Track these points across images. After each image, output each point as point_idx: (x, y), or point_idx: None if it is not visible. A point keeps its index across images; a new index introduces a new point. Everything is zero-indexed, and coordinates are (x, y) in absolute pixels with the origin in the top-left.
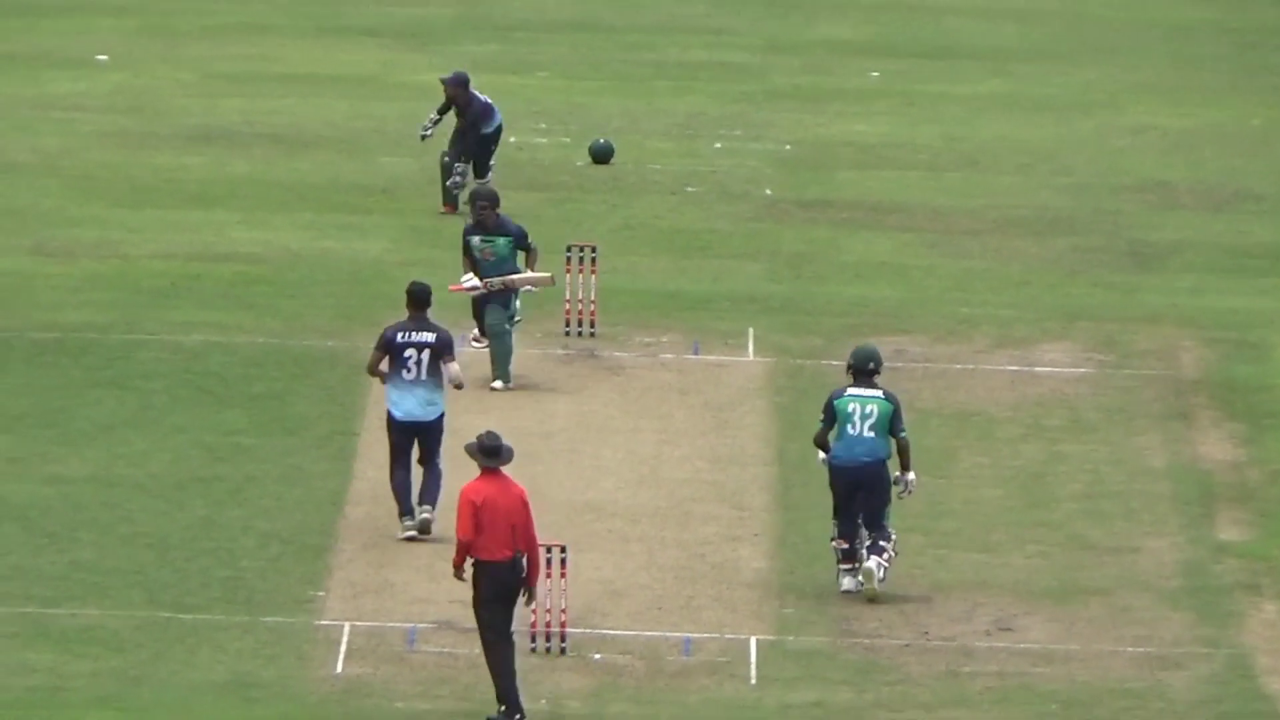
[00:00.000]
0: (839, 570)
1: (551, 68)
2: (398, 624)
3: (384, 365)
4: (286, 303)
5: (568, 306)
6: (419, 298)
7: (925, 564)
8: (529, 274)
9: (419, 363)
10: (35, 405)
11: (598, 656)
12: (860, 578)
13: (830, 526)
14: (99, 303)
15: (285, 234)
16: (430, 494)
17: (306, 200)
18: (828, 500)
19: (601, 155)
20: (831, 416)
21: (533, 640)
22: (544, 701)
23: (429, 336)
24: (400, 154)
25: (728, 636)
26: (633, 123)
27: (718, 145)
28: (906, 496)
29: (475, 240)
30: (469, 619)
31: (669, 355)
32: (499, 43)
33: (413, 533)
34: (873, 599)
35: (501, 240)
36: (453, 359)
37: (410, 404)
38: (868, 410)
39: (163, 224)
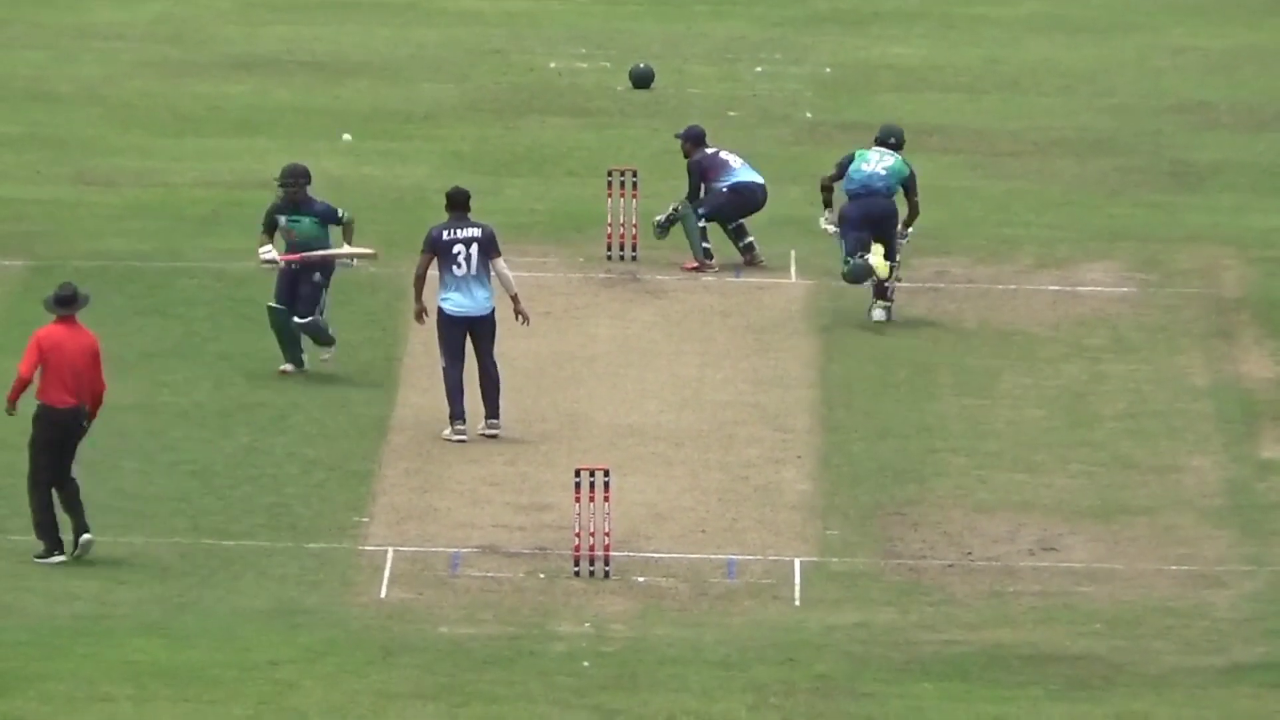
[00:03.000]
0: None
1: None
2: (441, 549)
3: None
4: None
5: (609, 230)
6: (458, 199)
7: (968, 485)
8: (347, 248)
9: (468, 257)
10: None
11: (641, 580)
12: (873, 319)
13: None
14: (141, 231)
15: (327, 161)
16: (493, 405)
17: (348, 127)
18: (870, 423)
19: (642, 80)
20: (846, 164)
21: (576, 564)
22: (588, 625)
23: (475, 231)
24: (441, 80)
25: (771, 558)
26: (673, 47)
27: (758, 69)
28: (900, 244)
29: (282, 220)
30: (513, 543)
31: (711, 278)
32: None
33: (461, 438)
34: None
35: (307, 220)
36: (499, 254)
37: (462, 299)
38: (884, 157)
39: (204, 152)
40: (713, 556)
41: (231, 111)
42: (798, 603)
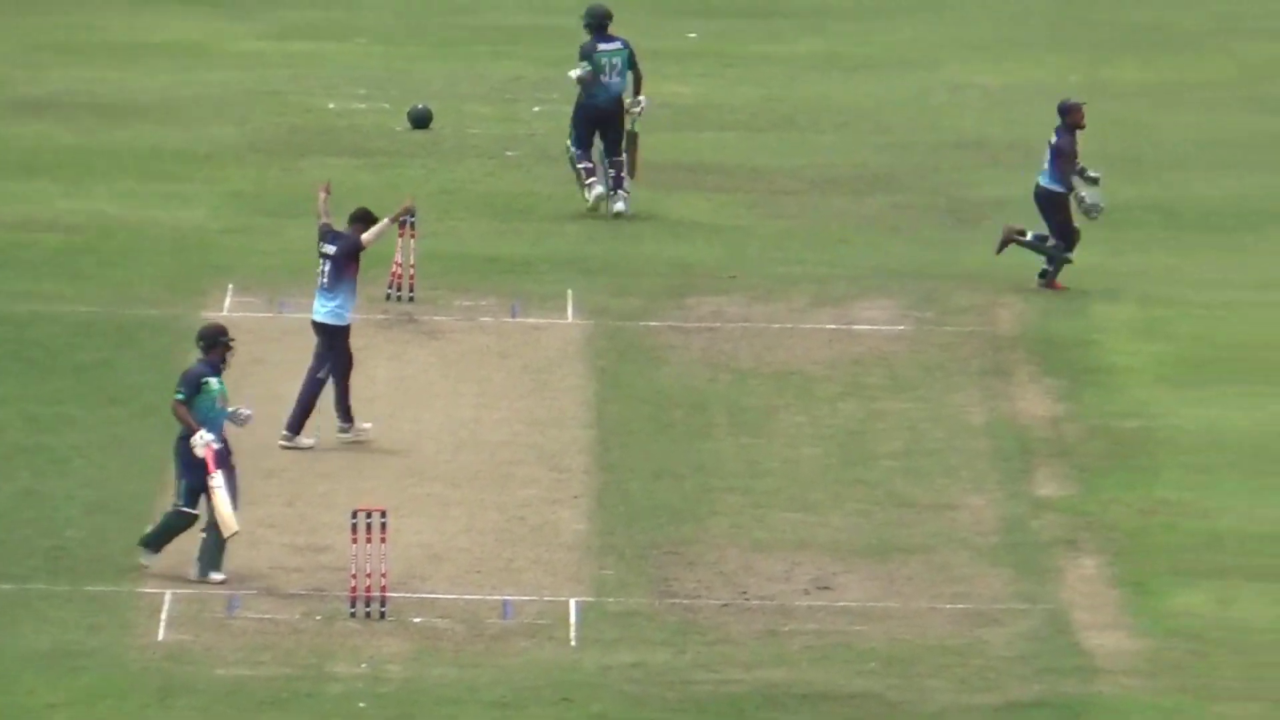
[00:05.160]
0: (586, 185)
1: (370, 33)
2: (219, 591)
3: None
4: (111, 271)
5: (396, 269)
6: (352, 216)
7: (744, 523)
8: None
9: (323, 271)
10: None
11: (418, 620)
12: (614, 211)
13: (573, 157)
14: None
15: (109, 203)
16: (293, 414)
17: (130, 169)
18: (647, 462)
19: (420, 120)
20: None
21: (352, 605)
22: (364, 665)
23: (331, 249)
24: (221, 121)
25: (547, 599)
26: (452, 87)
27: (536, 109)
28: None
29: (215, 383)
30: (290, 585)
31: (488, 318)
32: (318, 8)
33: (282, 443)
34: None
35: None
36: (361, 244)
37: (316, 305)
38: (614, 62)
39: None
40: (489, 597)
41: (14, 153)
42: (574, 643)
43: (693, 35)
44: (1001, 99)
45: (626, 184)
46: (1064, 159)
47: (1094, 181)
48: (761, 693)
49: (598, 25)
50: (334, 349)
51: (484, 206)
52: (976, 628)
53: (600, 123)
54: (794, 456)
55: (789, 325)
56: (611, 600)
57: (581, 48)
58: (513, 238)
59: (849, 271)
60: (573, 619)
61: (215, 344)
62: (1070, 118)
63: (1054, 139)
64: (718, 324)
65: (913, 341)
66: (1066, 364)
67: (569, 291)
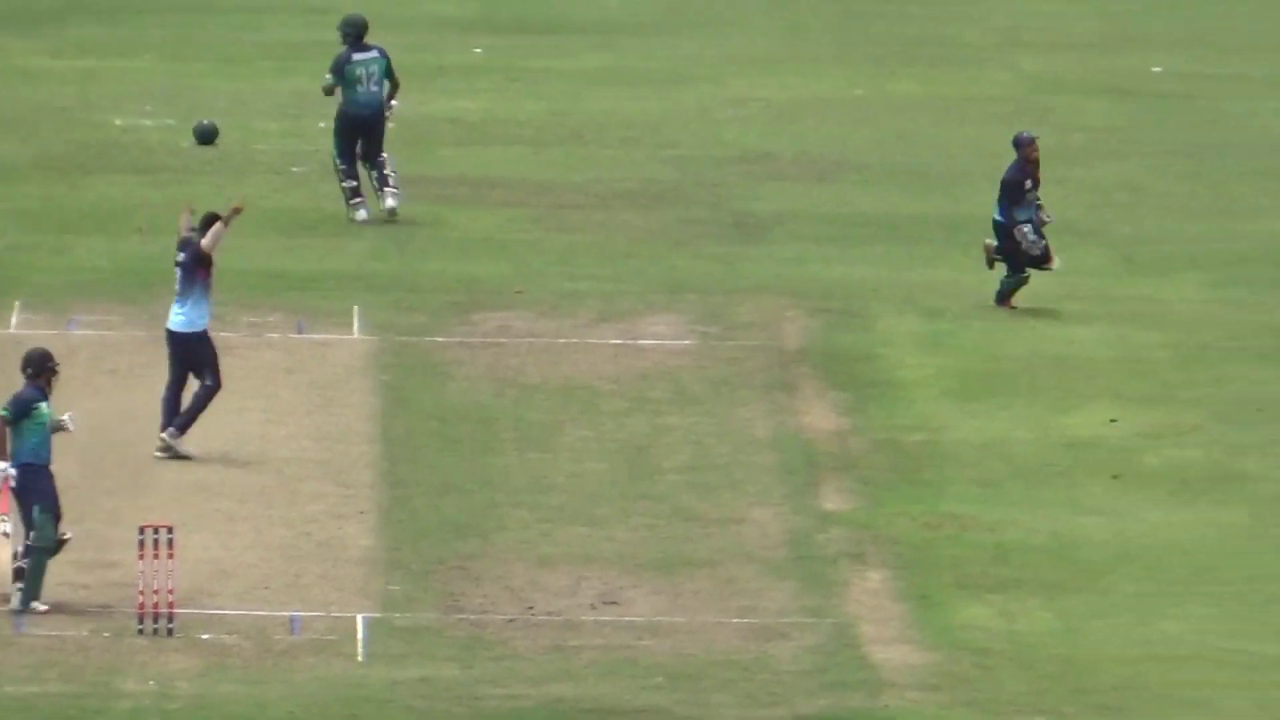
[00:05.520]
0: (351, 204)
1: (157, 50)
2: (4, 609)
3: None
4: None
5: None
6: (200, 221)
7: (530, 539)
8: None
9: (178, 278)
10: None
11: (205, 637)
12: (385, 209)
13: (339, 170)
14: None
15: None
16: (181, 415)
17: None
18: (433, 477)
19: (206, 136)
20: (340, 76)
21: (140, 621)
22: (152, 683)
23: (182, 255)
24: (8, 139)
25: (334, 614)
26: (238, 103)
27: (322, 124)
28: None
29: (45, 407)
30: (78, 602)
31: (274, 335)
32: (104, 25)
33: (157, 453)
34: (395, 217)
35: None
36: (203, 245)
37: (171, 313)
38: (371, 70)
39: None
40: (276, 613)
41: None
42: (361, 658)
43: (478, 50)
44: (785, 113)
45: (394, 180)
46: (1008, 190)
47: (1043, 223)
48: (549, 708)
49: (355, 35)
50: (187, 357)
51: (270, 222)
52: (763, 642)
53: (360, 130)
54: (580, 471)
55: (575, 340)
56: (398, 616)
57: (336, 57)
58: (299, 253)
59: (635, 286)
60: (360, 635)
61: (43, 369)
62: (1023, 151)
63: (1005, 172)
64: (504, 339)
65: (698, 356)
66: (851, 378)
67: (355, 307)
